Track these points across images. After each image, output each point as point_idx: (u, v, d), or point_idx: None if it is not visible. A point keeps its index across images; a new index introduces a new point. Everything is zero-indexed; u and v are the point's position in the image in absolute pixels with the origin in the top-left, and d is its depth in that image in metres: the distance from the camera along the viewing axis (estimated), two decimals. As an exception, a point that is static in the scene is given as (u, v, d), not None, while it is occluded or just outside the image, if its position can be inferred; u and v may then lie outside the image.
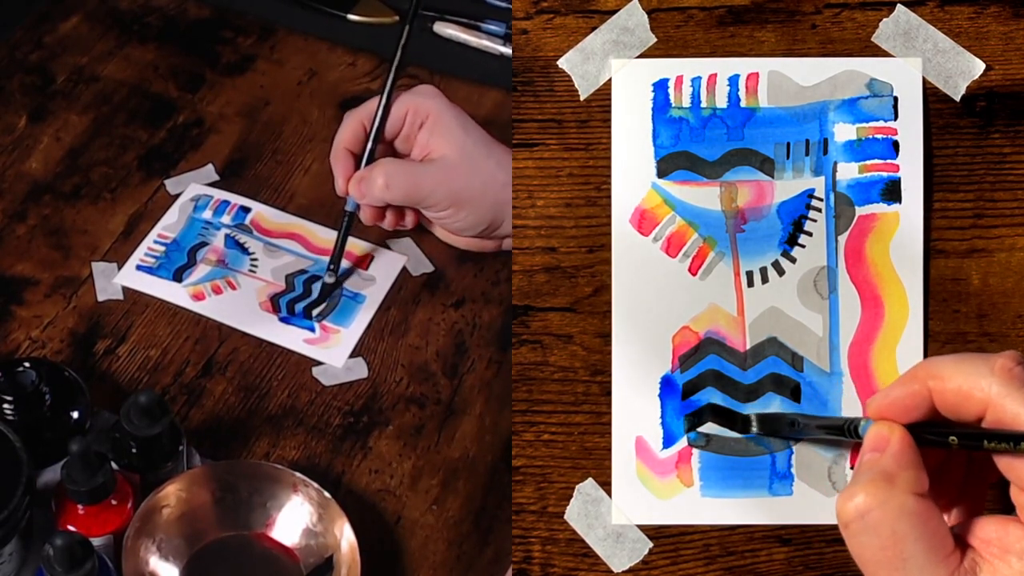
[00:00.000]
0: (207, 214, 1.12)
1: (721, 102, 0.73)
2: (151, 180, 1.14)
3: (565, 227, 0.74)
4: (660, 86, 0.73)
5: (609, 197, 0.73)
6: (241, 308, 1.06)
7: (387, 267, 1.10)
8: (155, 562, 0.89)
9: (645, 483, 0.72)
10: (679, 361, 0.73)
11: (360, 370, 1.04)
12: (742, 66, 0.73)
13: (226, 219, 1.12)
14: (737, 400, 0.72)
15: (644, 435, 0.72)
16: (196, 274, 1.08)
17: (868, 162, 0.73)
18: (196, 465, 0.94)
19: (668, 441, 0.72)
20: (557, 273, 0.73)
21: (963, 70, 0.73)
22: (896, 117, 0.73)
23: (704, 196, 0.73)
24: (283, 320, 1.06)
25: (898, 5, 0.73)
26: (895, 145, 0.73)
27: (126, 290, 1.07)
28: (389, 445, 1.00)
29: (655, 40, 0.74)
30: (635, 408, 0.72)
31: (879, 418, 0.63)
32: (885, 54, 0.73)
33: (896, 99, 0.73)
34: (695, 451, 0.72)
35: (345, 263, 1.09)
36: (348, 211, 1.06)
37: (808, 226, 0.73)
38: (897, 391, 0.63)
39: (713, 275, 0.73)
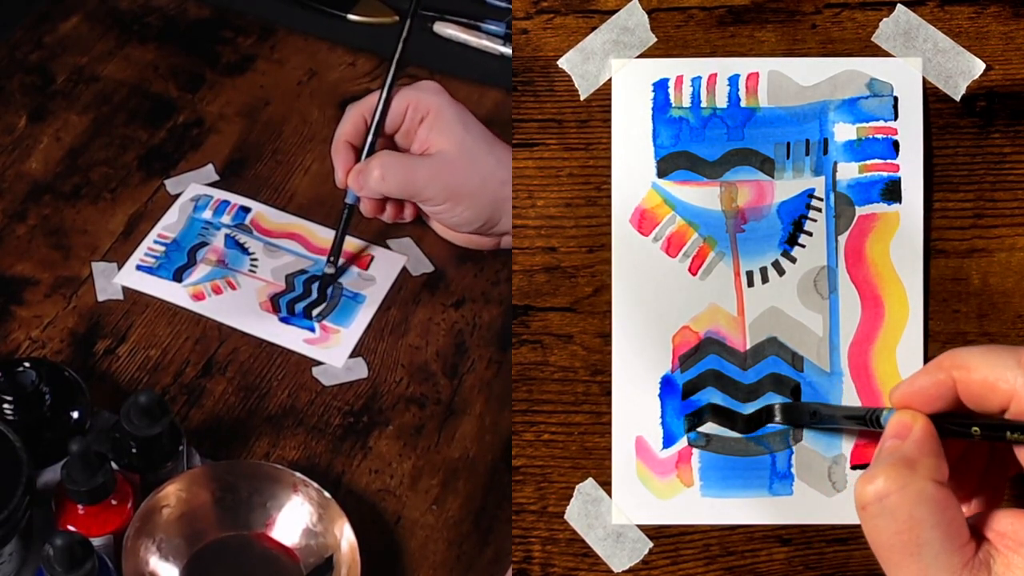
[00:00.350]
0: (207, 214, 1.12)
1: (721, 102, 0.73)
2: (151, 180, 1.14)
3: (565, 227, 0.73)
4: (660, 86, 0.73)
5: (609, 197, 0.73)
6: (241, 308, 1.06)
7: (387, 267, 1.10)
8: (155, 562, 0.89)
9: (645, 483, 0.72)
10: (679, 361, 0.72)
11: (360, 370, 1.04)
12: (742, 66, 0.73)
13: (226, 219, 1.12)
14: (737, 400, 0.72)
15: (644, 435, 0.72)
16: (196, 274, 1.08)
17: (868, 162, 0.73)
18: (196, 465, 0.94)
19: (668, 441, 0.72)
20: (557, 273, 0.73)
21: (963, 70, 0.73)
22: (896, 117, 0.73)
23: (704, 196, 0.73)
24: (283, 320, 1.06)
25: (898, 5, 0.73)
26: (895, 145, 0.73)
27: (126, 290, 1.07)
28: (389, 445, 1.00)
29: (655, 40, 0.74)
30: (635, 408, 0.72)
31: (902, 407, 0.63)
32: (885, 54, 0.73)
33: (896, 99, 0.73)
34: (695, 451, 0.72)
35: (345, 262, 1.09)
36: (348, 204, 1.06)
37: (808, 226, 0.73)
38: (922, 380, 0.62)
39: (713, 275, 0.73)
